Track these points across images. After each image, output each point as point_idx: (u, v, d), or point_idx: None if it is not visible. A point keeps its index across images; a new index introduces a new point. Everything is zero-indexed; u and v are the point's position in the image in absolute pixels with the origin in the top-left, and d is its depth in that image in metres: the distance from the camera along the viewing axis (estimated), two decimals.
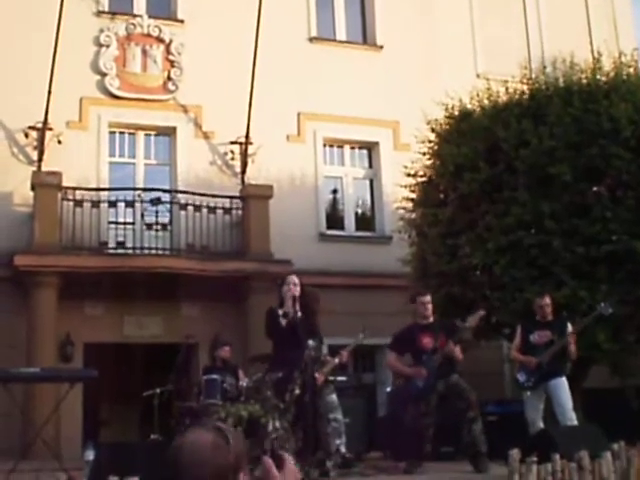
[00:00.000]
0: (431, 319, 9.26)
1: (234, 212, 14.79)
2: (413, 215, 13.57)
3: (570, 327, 9.63)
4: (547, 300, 9.82)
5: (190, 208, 14.41)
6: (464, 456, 9.05)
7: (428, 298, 9.33)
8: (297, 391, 5.82)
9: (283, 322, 8.08)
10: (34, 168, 14.20)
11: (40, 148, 14.37)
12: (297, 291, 8.33)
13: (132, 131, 15.56)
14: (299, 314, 8.15)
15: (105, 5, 15.56)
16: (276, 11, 15.51)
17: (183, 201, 14.43)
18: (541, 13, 18.61)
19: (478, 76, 16.57)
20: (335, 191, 16.91)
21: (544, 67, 12.81)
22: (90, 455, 8.30)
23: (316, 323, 9.36)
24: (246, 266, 14.19)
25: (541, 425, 9.41)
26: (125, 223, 14.26)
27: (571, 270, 11.13)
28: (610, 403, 11.86)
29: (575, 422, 9.30)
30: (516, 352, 9.98)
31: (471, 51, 17.80)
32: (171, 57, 15.60)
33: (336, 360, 9.61)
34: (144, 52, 15.54)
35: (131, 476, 5.11)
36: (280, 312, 8.24)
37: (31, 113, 14.14)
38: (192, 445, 2.52)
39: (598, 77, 12.13)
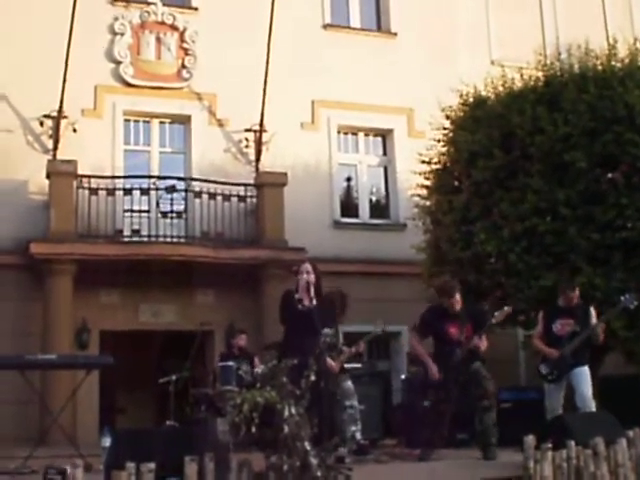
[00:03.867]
0: (458, 307, 9.06)
1: (249, 200, 14.81)
2: (427, 202, 13.56)
3: (594, 315, 9.47)
4: (577, 292, 9.68)
5: (205, 196, 14.42)
6: (476, 444, 9.05)
7: (457, 297, 8.94)
8: (312, 377, 5.83)
9: (299, 307, 8.08)
10: (49, 156, 14.25)
11: (55, 136, 14.41)
12: (311, 278, 8.33)
13: (147, 119, 15.58)
14: (314, 301, 8.15)
15: None
16: None
17: (198, 189, 14.44)
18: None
19: (493, 63, 16.50)
20: (349, 179, 16.91)
21: (559, 54, 12.76)
22: (107, 441, 8.34)
23: (335, 314, 9.38)
24: (260, 254, 14.22)
25: (560, 412, 9.36)
26: (140, 211, 14.27)
27: (586, 257, 11.11)
28: (625, 390, 11.86)
29: (594, 410, 9.25)
30: (538, 340, 9.74)
31: (486, 38, 17.72)
32: (185, 45, 15.61)
33: (352, 349, 9.63)
34: (158, 40, 15.56)
35: (148, 462, 5.14)
36: (296, 297, 8.25)
37: (46, 101, 14.17)
38: None
39: (613, 64, 12.08)
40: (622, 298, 9.45)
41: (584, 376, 9.32)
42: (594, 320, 9.47)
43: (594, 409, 9.22)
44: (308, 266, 8.40)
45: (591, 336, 9.37)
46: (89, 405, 13.41)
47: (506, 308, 9.07)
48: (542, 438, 6.64)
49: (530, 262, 11.40)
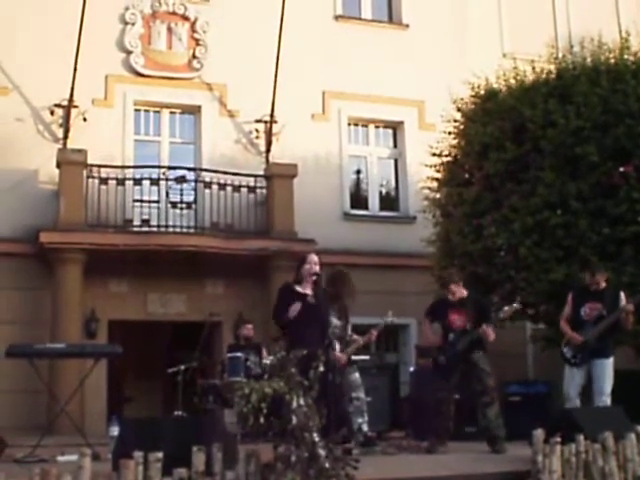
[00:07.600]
0: (453, 298, 9.18)
1: (258, 191, 14.80)
2: (438, 195, 13.53)
3: (624, 299, 9.22)
4: (602, 276, 9.44)
5: (215, 186, 14.42)
6: (483, 438, 9.04)
7: (452, 288, 9.12)
8: (321, 368, 5.81)
9: (308, 299, 8.01)
10: (60, 146, 14.25)
11: (66, 126, 14.41)
12: (317, 269, 8.25)
13: (157, 109, 15.58)
14: (321, 292, 8.12)
15: None
16: None
17: (208, 179, 14.44)
18: None
19: (505, 55, 16.45)
20: (359, 171, 16.87)
21: (571, 46, 12.70)
22: (115, 431, 8.36)
23: (344, 304, 9.34)
24: (270, 245, 14.20)
25: (577, 402, 9.21)
26: (150, 201, 14.28)
27: (597, 251, 11.05)
28: (635, 385, 11.81)
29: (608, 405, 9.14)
30: (564, 322, 9.53)
31: (498, 30, 17.63)
32: (196, 35, 15.58)
33: (361, 340, 9.61)
34: (169, 30, 15.54)
35: (155, 452, 5.13)
36: (299, 289, 8.17)
37: (57, 91, 14.18)
38: None
39: (626, 57, 12.02)
40: None
41: (605, 369, 9.11)
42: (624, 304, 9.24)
43: (608, 404, 9.11)
44: (315, 257, 8.34)
45: (620, 319, 9.20)
46: (97, 394, 13.43)
47: (515, 305, 9.09)
48: (551, 432, 6.61)
49: (540, 256, 11.36)
